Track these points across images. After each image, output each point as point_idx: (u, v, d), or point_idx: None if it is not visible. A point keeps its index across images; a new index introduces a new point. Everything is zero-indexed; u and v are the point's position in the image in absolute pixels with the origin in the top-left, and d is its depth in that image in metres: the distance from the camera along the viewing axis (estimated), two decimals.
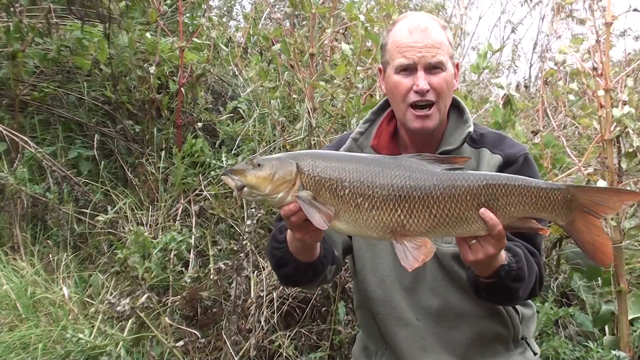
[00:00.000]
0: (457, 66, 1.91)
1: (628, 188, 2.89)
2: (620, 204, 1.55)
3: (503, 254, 1.59)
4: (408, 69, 1.80)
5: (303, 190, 1.49)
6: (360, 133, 1.97)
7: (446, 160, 1.54)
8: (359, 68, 3.24)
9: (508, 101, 3.06)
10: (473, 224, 1.49)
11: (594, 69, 2.80)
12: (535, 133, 3.31)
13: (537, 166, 1.94)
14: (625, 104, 2.85)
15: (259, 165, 1.50)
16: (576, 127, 4.00)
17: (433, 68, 1.79)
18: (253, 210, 2.93)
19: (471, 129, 1.85)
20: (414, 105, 1.80)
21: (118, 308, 2.68)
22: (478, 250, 1.52)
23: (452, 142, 1.85)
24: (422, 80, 1.77)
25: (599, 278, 3.14)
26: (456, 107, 1.93)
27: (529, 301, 2.08)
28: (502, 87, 3.10)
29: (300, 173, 1.49)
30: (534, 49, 5.75)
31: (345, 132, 2.18)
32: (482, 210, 1.47)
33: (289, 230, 1.65)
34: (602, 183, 2.78)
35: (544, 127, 3.53)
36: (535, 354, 1.99)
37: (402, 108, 1.83)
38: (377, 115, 2.00)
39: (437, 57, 1.78)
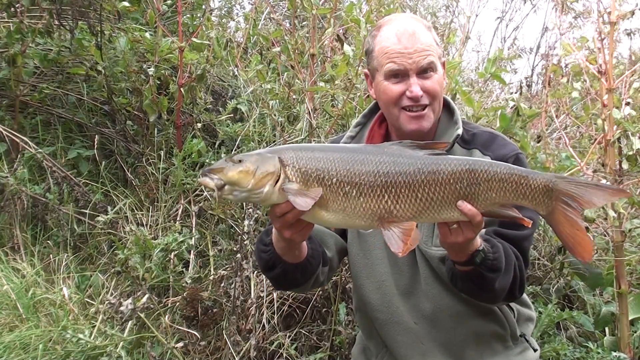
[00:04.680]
0: (443, 65, 1.90)
1: (627, 190, 2.88)
2: (604, 199, 1.54)
3: (478, 239, 1.60)
4: (399, 75, 1.79)
5: (290, 182, 1.45)
6: (352, 137, 1.96)
7: (426, 145, 1.53)
8: (359, 69, 3.24)
9: (517, 109, 3.08)
10: (456, 208, 1.49)
11: (599, 72, 2.78)
12: (539, 140, 3.30)
13: (529, 165, 1.93)
14: (628, 105, 2.84)
15: (239, 161, 1.46)
16: (577, 127, 3.99)
17: (424, 72, 1.79)
18: (250, 210, 2.92)
19: (460, 130, 1.85)
20: (408, 108, 1.80)
21: (122, 308, 2.68)
22: (458, 234, 1.52)
23: None
24: (415, 87, 1.77)
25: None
26: (446, 107, 1.93)
27: (527, 300, 2.08)
28: (513, 100, 3.12)
29: (284, 166, 1.46)
30: (537, 50, 5.73)
31: (336, 136, 2.17)
32: (459, 202, 1.47)
33: (274, 232, 1.64)
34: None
35: (546, 128, 3.52)
36: (535, 350, 2.00)
37: (395, 112, 1.83)
38: (367, 118, 2.00)
39: (428, 58, 1.78)
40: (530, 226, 1.52)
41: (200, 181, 1.49)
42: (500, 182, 1.49)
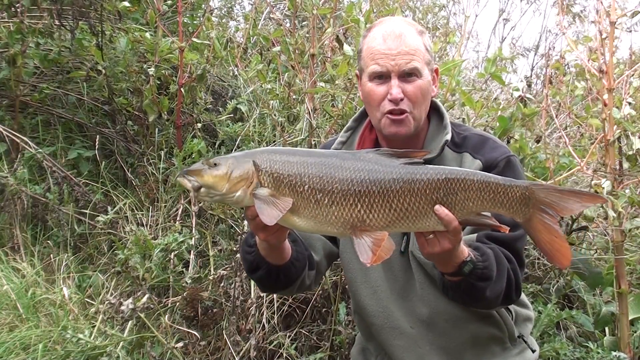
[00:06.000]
0: (436, 71, 1.88)
1: (627, 190, 2.88)
2: (580, 205, 1.53)
3: (465, 250, 1.58)
4: (382, 77, 1.78)
5: (261, 187, 1.45)
6: (342, 142, 1.95)
7: (404, 154, 1.51)
8: None
9: (523, 101, 3.08)
10: (432, 218, 1.47)
11: (601, 71, 2.77)
12: (538, 140, 3.30)
13: (521, 168, 1.91)
14: (628, 104, 2.84)
15: (215, 164, 1.47)
16: (578, 127, 3.99)
17: (407, 75, 1.77)
18: None
19: (449, 136, 1.83)
20: (388, 112, 1.79)
21: (122, 308, 2.68)
22: (434, 244, 1.51)
23: (433, 150, 1.82)
24: (395, 89, 1.75)
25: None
26: (437, 112, 1.91)
27: (525, 300, 2.07)
28: (517, 90, 3.12)
29: (258, 170, 1.46)
30: (536, 50, 5.73)
31: (328, 141, 2.16)
32: (437, 207, 1.45)
33: None
34: (607, 184, 2.76)
35: (546, 128, 3.52)
36: (533, 351, 1.99)
37: (377, 115, 1.82)
38: (358, 122, 1.98)
39: (412, 63, 1.76)
40: (507, 232, 1.50)
41: (179, 181, 1.50)
42: (477, 191, 1.48)
